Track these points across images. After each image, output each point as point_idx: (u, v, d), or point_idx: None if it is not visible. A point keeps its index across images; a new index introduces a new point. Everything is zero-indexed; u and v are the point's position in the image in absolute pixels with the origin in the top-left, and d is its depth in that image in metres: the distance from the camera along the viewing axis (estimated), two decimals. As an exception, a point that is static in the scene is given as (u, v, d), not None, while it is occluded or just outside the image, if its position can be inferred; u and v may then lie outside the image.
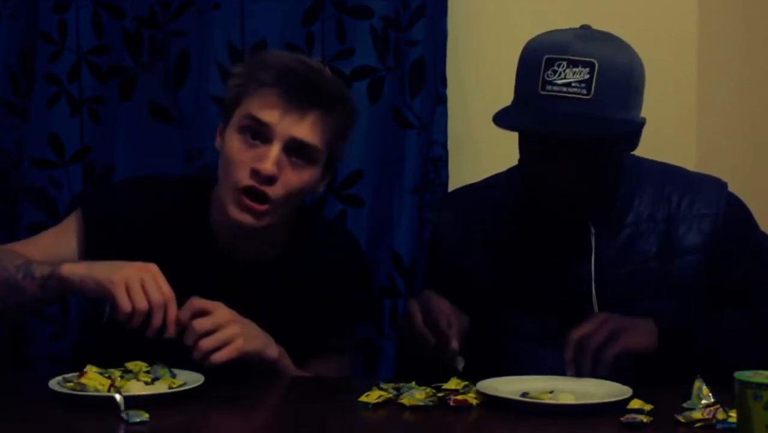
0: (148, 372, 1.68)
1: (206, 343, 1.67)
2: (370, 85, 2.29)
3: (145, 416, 1.50)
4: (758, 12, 2.44)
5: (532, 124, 1.70)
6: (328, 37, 2.30)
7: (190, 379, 1.67)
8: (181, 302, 1.68)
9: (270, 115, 1.75)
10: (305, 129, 1.76)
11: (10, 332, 2.28)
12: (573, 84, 1.67)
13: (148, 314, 1.64)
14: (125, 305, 1.62)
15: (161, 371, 1.68)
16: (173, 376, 1.68)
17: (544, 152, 1.71)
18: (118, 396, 1.55)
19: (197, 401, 1.63)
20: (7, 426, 1.51)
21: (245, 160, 1.76)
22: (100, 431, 1.52)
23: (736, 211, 1.85)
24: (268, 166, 1.74)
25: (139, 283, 1.63)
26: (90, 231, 1.87)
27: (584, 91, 1.67)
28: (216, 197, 1.85)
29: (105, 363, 1.69)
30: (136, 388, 1.62)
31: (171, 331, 1.65)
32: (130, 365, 1.70)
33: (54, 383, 1.63)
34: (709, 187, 1.86)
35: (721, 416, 1.48)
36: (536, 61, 1.70)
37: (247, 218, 1.78)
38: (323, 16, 2.29)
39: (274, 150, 1.74)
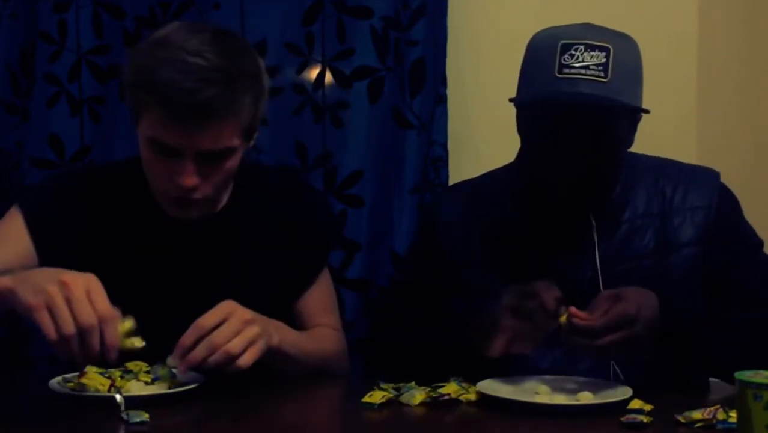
0: (148, 372, 1.68)
1: (234, 347, 1.60)
2: (370, 85, 2.29)
3: (145, 416, 1.50)
4: (758, 12, 2.44)
5: (555, 96, 1.71)
6: (328, 37, 2.30)
7: (190, 379, 1.67)
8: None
9: (169, 137, 1.67)
10: (209, 141, 1.67)
11: (10, 332, 2.28)
12: (591, 67, 1.69)
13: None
14: (49, 331, 1.42)
15: (161, 371, 1.68)
16: (173, 376, 1.68)
17: (557, 133, 1.71)
18: (118, 396, 1.55)
19: (197, 401, 1.63)
20: (7, 426, 1.51)
21: (164, 170, 1.71)
22: (100, 431, 1.52)
23: (727, 204, 1.86)
24: (187, 182, 1.69)
25: (63, 303, 1.42)
26: (36, 228, 1.80)
27: (602, 74, 1.69)
28: (149, 182, 1.80)
29: (105, 363, 1.68)
30: (136, 388, 1.62)
31: (111, 357, 1.46)
32: (130, 365, 1.70)
33: (54, 383, 1.64)
34: (702, 178, 1.87)
35: (721, 416, 1.48)
36: (550, 47, 1.72)
37: (186, 214, 1.77)
38: (323, 16, 2.29)
39: (188, 165, 1.68)
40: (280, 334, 1.75)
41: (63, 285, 1.43)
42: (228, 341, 1.60)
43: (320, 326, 1.95)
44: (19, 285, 1.47)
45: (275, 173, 2.07)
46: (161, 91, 1.64)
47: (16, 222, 1.81)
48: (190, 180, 1.69)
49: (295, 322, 1.93)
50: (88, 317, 1.42)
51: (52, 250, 1.79)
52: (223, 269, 1.85)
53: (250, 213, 1.89)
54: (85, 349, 1.43)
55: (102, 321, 1.44)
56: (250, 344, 1.63)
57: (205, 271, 1.84)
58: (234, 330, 1.61)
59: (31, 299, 1.44)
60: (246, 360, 1.62)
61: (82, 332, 1.43)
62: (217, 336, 1.60)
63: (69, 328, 1.42)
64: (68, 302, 1.43)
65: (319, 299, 1.96)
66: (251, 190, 1.90)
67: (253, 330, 1.64)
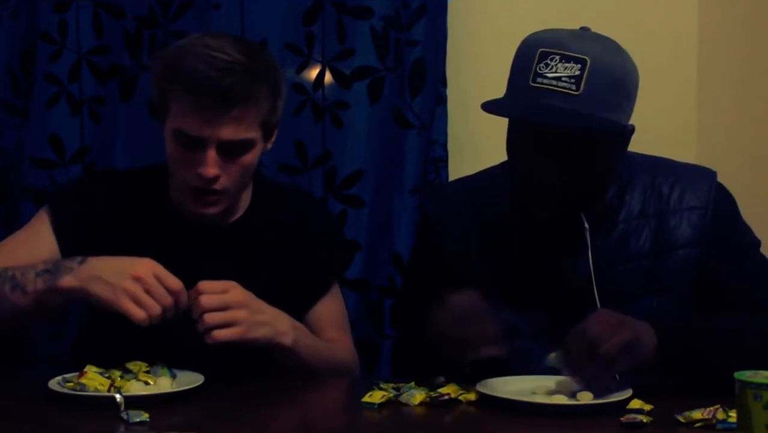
0: (148, 372, 1.68)
1: (211, 317, 1.67)
2: (370, 85, 2.29)
3: (145, 416, 1.50)
4: (758, 12, 2.44)
5: (518, 113, 1.70)
6: (328, 37, 2.30)
7: (190, 379, 1.67)
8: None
9: (193, 127, 1.75)
10: (230, 130, 1.76)
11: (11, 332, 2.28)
12: (563, 78, 1.67)
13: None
14: (139, 316, 1.63)
15: (161, 371, 1.68)
16: (173, 376, 1.68)
17: (531, 146, 1.71)
18: (118, 396, 1.55)
19: (197, 401, 1.63)
20: (7, 426, 1.51)
21: (187, 162, 1.79)
22: (100, 431, 1.52)
23: (724, 204, 1.85)
24: (208, 171, 1.77)
25: (143, 291, 1.64)
26: (60, 229, 1.87)
27: (573, 87, 1.67)
28: (172, 180, 1.89)
29: (105, 363, 1.69)
30: (136, 388, 1.62)
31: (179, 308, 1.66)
32: (130, 365, 1.70)
33: (54, 383, 1.64)
34: (699, 178, 1.86)
35: (721, 416, 1.48)
36: (531, 53, 1.70)
37: (206, 210, 1.83)
38: (323, 16, 2.29)
39: (210, 154, 1.76)
40: (297, 334, 1.78)
41: (136, 279, 1.64)
42: (210, 310, 1.67)
43: (335, 341, 1.95)
44: (90, 283, 1.66)
45: (293, 192, 2.12)
46: (186, 79, 1.75)
47: (44, 223, 1.88)
48: (212, 170, 1.76)
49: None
50: (166, 298, 1.65)
51: (74, 250, 1.83)
52: (234, 277, 1.85)
53: (264, 226, 1.93)
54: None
55: (177, 295, 1.66)
56: (232, 323, 1.67)
57: (215, 277, 1.83)
58: (220, 304, 1.68)
59: (111, 296, 1.64)
60: (219, 335, 1.67)
61: (165, 309, 1.65)
62: (203, 300, 1.67)
63: (155, 310, 1.64)
64: (147, 292, 1.64)
65: (330, 315, 1.98)
66: (268, 205, 1.95)
67: (239, 313, 1.69)
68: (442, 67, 2.33)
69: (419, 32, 2.29)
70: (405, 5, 2.29)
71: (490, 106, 1.72)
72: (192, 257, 1.85)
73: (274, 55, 2.27)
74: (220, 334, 1.67)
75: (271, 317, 1.75)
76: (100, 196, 1.91)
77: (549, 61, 1.68)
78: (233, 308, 1.69)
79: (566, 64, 1.67)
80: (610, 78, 1.69)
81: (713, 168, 1.91)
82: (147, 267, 1.66)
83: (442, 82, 2.33)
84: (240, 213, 1.92)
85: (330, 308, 1.98)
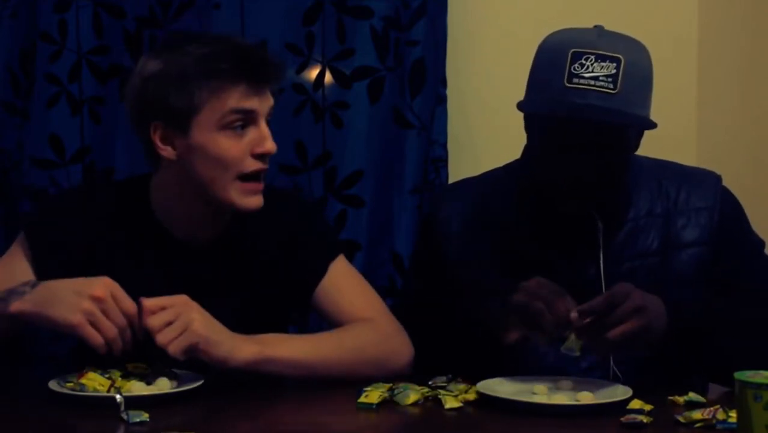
0: (147, 373, 1.68)
1: (164, 336, 1.61)
2: (370, 85, 2.29)
3: (145, 416, 1.50)
4: (758, 12, 2.44)
5: (563, 111, 1.71)
6: (328, 37, 2.30)
7: (190, 379, 1.67)
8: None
9: (251, 102, 1.74)
10: (270, 99, 1.79)
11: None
12: (600, 78, 1.69)
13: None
14: (97, 341, 1.60)
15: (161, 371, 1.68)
16: (173, 376, 1.68)
17: (566, 143, 1.72)
18: (118, 396, 1.56)
19: (197, 401, 1.63)
20: (8, 426, 1.51)
21: (241, 151, 1.75)
22: (100, 431, 1.52)
23: (730, 206, 1.87)
24: (271, 146, 1.76)
25: (100, 313, 1.60)
26: (39, 253, 1.83)
27: (611, 86, 1.68)
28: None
29: (105, 363, 1.69)
30: (137, 388, 1.62)
31: (139, 335, 1.64)
32: (130, 366, 1.70)
33: (54, 383, 1.64)
34: (704, 181, 1.88)
35: (721, 416, 1.48)
36: (561, 54, 1.71)
37: (253, 201, 1.78)
38: (323, 16, 2.29)
39: (265, 129, 1.77)
40: (264, 341, 1.71)
41: (95, 300, 1.61)
42: (160, 330, 1.62)
43: (354, 322, 1.86)
44: (45, 307, 1.63)
45: (272, 194, 2.07)
46: (234, 55, 1.74)
47: (20, 253, 1.84)
48: (272, 144, 1.76)
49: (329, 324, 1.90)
50: (122, 319, 1.62)
51: (55, 275, 1.78)
52: (228, 288, 1.84)
53: (250, 232, 1.88)
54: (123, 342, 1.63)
55: (131, 318, 1.63)
56: (181, 333, 1.62)
57: (209, 291, 1.79)
58: (168, 318, 1.63)
59: (72, 318, 1.60)
60: (174, 347, 1.61)
61: (120, 331, 1.62)
62: (150, 321, 1.62)
63: (112, 333, 1.61)
64: (104, 312, 1.61)
65: (341, 293, 1.89)
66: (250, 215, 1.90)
67: (188, 317, 1.63)
68: (442, 67, 2.33)
69: (419, 32, 2.29)
70: (405, 5, 2.29)
71: (529, 106, 1.75)
72: (181, 273, 1.80)
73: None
74: (175, 345, 1.61)
75: (226, 335, 1.68)
76: (78, 217, 1.85)
77: (584, 61, 1.69)
78: (181, 314, 1.63)
79: (602, 63, 1.69)
80: (641, 75, 1.73)
81: (714, 168, 1.92)
82: (104, 286, 1.62)
83: (442, 82, 2.33)
84: (222, 228, 1.86)
85: (336, 287, 1.89)
